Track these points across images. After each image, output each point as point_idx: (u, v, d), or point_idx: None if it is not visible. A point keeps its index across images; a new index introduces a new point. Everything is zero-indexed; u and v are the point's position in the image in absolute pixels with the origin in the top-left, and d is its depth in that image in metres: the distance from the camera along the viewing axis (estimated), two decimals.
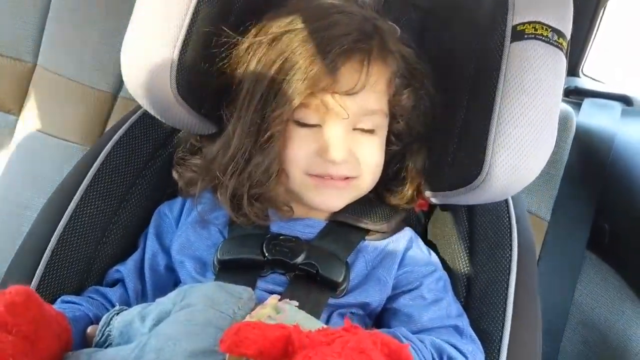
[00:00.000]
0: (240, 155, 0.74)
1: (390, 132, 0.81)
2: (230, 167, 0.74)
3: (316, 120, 0.74)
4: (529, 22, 0.73)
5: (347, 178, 0.76)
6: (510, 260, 0.81)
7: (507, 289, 0.79)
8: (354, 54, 0.71)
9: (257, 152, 0.73)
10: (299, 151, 0.74)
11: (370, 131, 0.77)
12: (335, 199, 0.78)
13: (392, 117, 0.80)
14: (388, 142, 0.82)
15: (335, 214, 0.81)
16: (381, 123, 0.78)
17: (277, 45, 0.72)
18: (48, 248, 0.78)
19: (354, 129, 0.75)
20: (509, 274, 0.80)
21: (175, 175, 0.83)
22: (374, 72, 0.73)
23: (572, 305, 0.99)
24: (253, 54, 0.74)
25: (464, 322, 0.75)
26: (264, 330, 0.50)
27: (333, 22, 0.72)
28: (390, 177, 0.84)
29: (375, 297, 0.74)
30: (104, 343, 0.66)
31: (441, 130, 0.82)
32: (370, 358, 0.47)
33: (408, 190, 0.84)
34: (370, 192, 0.83)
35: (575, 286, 1.00)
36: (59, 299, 0.75)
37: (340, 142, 0.73)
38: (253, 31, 0.77)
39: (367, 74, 0.72)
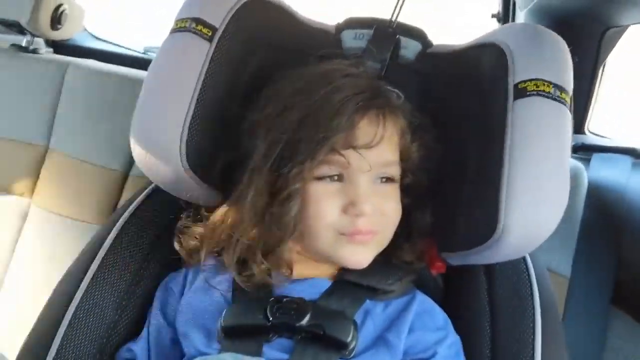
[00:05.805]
0: (253, 214, 0.74)
1: (400, 186, 0.82)
2: (242, 227, 0.75)
3: (338, 176, 0.75)
4: (530, 80, 0.74)
5: (372, 232, 0.76)
6: (534, 321, 0.78)
7: (533, 350, 0.76)
8: (369, 110, 0.75)
9: (274, 211, 0.74)
10: (326, 208, 0.74)
11: (390, 183, 0.79)
12: (363, 255, 0.77)
13: (402, 170, 0.81)
14: None
15: (340, 272, 0.80)
16: (397, 175, 0.80)
17: (291, 110, 0.75)
18: (58, 332, 0.77)
19: (374, 182, 0.77)
20: (533, 334, 0.77)
21: (176, 245, 0.82)
22: (389, 125, 0.77)
23: None
24: (265, 123, 0.76)
25: None
26: None
27: (343, 84, 0.75)
28: (398, 233, 0.83)
29: None
30: None
31: (451, 190, 0.82)
32: None
33: (415, 246, 0.83)
34: None
35: (604, 343, 0.96)
36: None
37: (367, 195, 0.74)
38: (262, 103, 0.79)
39: (384, 127, 0.75)
